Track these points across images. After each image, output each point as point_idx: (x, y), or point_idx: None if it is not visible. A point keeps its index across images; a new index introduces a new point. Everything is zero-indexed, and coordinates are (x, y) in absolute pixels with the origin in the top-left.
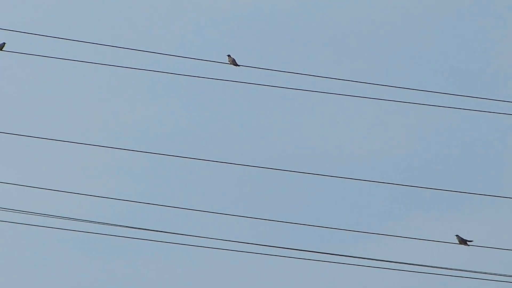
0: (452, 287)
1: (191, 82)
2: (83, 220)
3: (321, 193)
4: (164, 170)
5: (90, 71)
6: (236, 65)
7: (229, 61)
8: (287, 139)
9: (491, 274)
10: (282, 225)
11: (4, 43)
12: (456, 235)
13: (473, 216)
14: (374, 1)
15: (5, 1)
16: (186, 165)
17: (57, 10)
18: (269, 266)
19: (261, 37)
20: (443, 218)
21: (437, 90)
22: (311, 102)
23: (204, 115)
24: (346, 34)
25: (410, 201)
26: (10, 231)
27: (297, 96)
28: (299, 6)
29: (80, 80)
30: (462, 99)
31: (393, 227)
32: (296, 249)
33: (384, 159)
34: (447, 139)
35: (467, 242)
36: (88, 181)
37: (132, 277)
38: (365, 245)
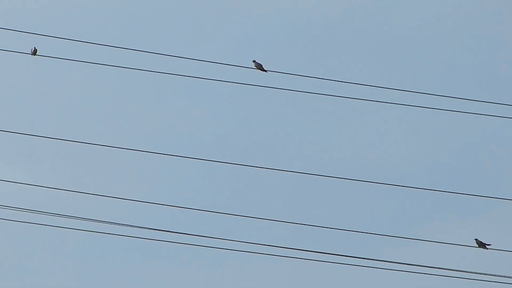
0: None
1: (233, 88)
2: (124, 225)
3: (345, 197)
4: (201, 176)
5: (134, 78)
6: (263, 70)
7: (255, 66)
8: (319, 145)
9: (509, 277)
10: (314, 229)
11: (36, 49)
12: (476, 239)
13: (492, 219)
14: (409, 10)
15: (31, 6)
16: (223, 171)
17: (89, 16)
18: (297, 268)
19: (301, 43)
20: (462, 222)
21: (460, 96)
22: (344, 108)
23: (241, 121)
24: (382, 41)
25: (430, 205)
26: (65, 236)
27: (331, 102)
28: (335, 12)
29: (121, 86)
30: (488, 106)
31: (412, 231)
32: (324, 252)
33: (403, 164)
34: (465, 144)
35: (486, 246)
36: (127, 186)
37: (182, 281)
38: (385, 248)
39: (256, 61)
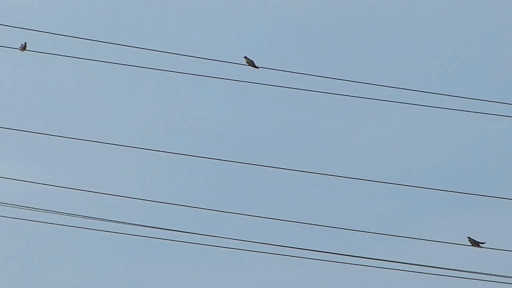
0: None
1: (225, 85)
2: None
3: (344, 196)
4: (202, 174)
5: (128, 75)
6: (255, 66)
7: (246, 63)
8: (316, 143)
9: (503, 276)
10: (312, 227)
11: (26, 43)
12: (468, 237)
13: (485, 218)
14: (403, 7)
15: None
16: (223, 169)
17: (96, 12)
18: (296, 267)
19: (296, 40)
20: (455, 220)
21: (459, 95)
22: (342, 106)
23: (236, 118)
24: (380, 38)
25: (423, 204)
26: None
27: (328, 100)
28: (330, 8)
29: (116, 83)
30: (488, 104)
31: (406, 229)
32: (323, 251)
33: (401, 163)
34: (463, 142)
35: (479, 244)
36: (128, 184)
37: (183, 280)
38: (377, 247)
39: (248, 57)
